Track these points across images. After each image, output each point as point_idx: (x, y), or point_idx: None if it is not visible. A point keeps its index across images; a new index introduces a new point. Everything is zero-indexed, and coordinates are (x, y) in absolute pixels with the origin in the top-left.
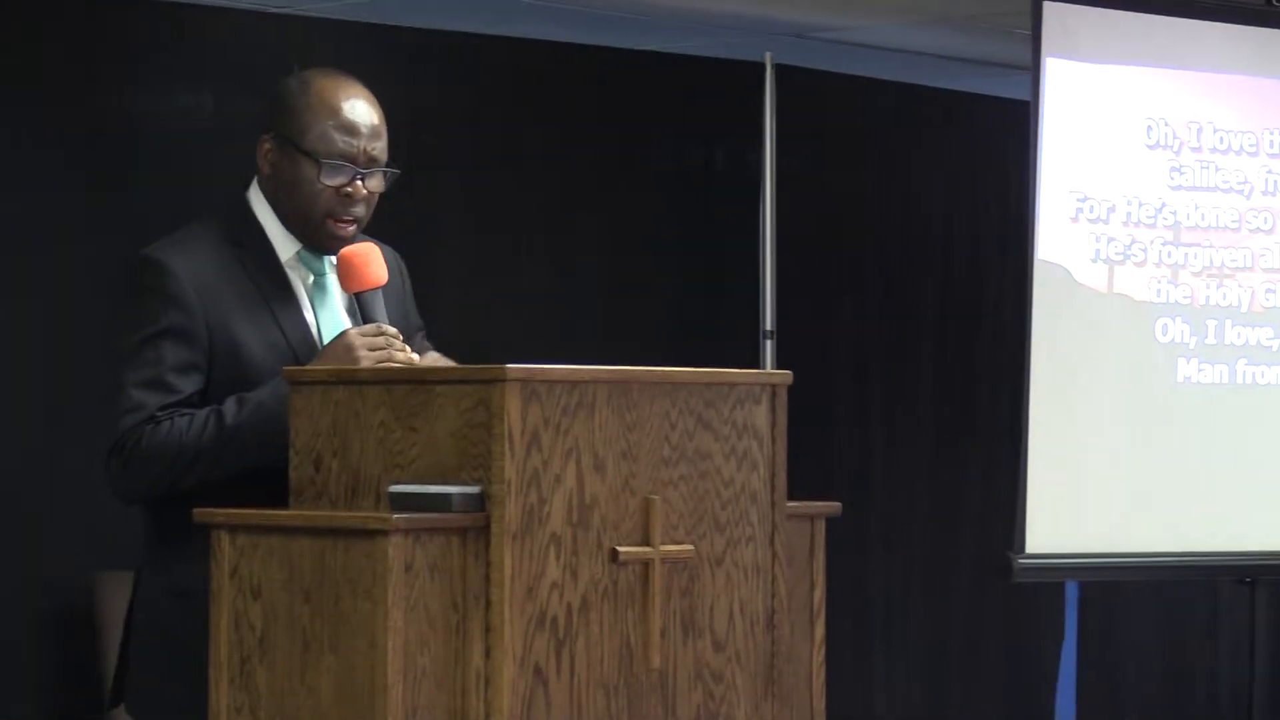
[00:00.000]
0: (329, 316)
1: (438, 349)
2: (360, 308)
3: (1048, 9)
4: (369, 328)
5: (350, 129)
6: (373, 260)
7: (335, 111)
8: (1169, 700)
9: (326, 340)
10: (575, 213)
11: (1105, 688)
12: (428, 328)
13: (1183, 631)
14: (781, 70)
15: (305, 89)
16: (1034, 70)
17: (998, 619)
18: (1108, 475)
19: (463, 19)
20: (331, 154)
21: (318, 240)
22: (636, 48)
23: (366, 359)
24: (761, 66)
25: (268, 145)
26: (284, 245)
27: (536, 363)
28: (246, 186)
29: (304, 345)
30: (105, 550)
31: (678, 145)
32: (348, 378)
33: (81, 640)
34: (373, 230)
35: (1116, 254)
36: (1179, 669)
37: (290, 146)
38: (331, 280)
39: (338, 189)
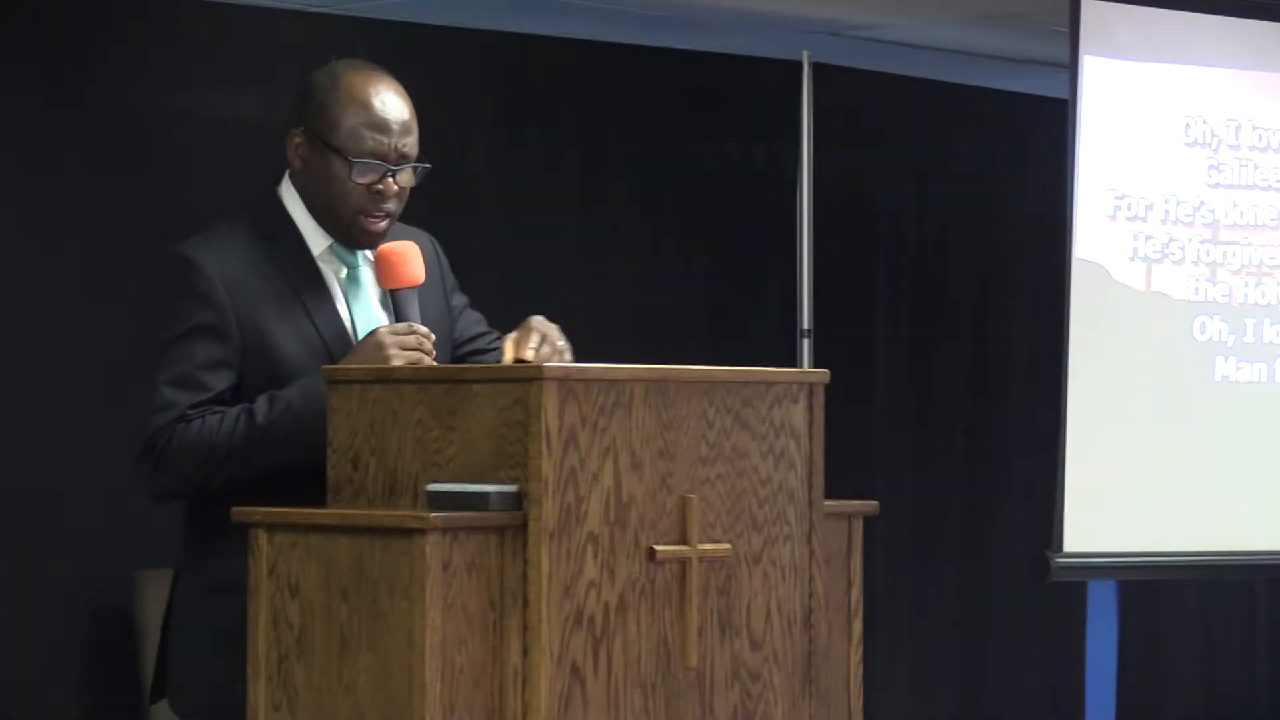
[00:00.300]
0: (363, 310)
1: None
2: (395, 306)
3: (1086, 6)
4: (400, 326)
5: (381, 126)
6: (411, 259)
7: (366, 108)
8: (1208, 700)
9: (361, 334)
10: (612, 211)
11: (1145, 688)
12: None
13: (1222, 631)
14: (819, 68)
15: (334, 83)
16: (1072, 68)
17: (1035, 619)
18: (1145, 474)
19: (500, 18)
20: (362, 152)
21: (350, 236)
22: (674, 46)
23: (398, 357)
24: (799, 65)
25: (298, 140)
26: (316, 239)
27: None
28: (277, 181)
29: (338, 340)
30: (144, 548)
31: (715, 143)
32: (385, 376)
33: (121, 638)
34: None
35: (1154, 252)
36: (1218, 669)
37: (320, 142)
38: (365, 273)
39: (369, 186)
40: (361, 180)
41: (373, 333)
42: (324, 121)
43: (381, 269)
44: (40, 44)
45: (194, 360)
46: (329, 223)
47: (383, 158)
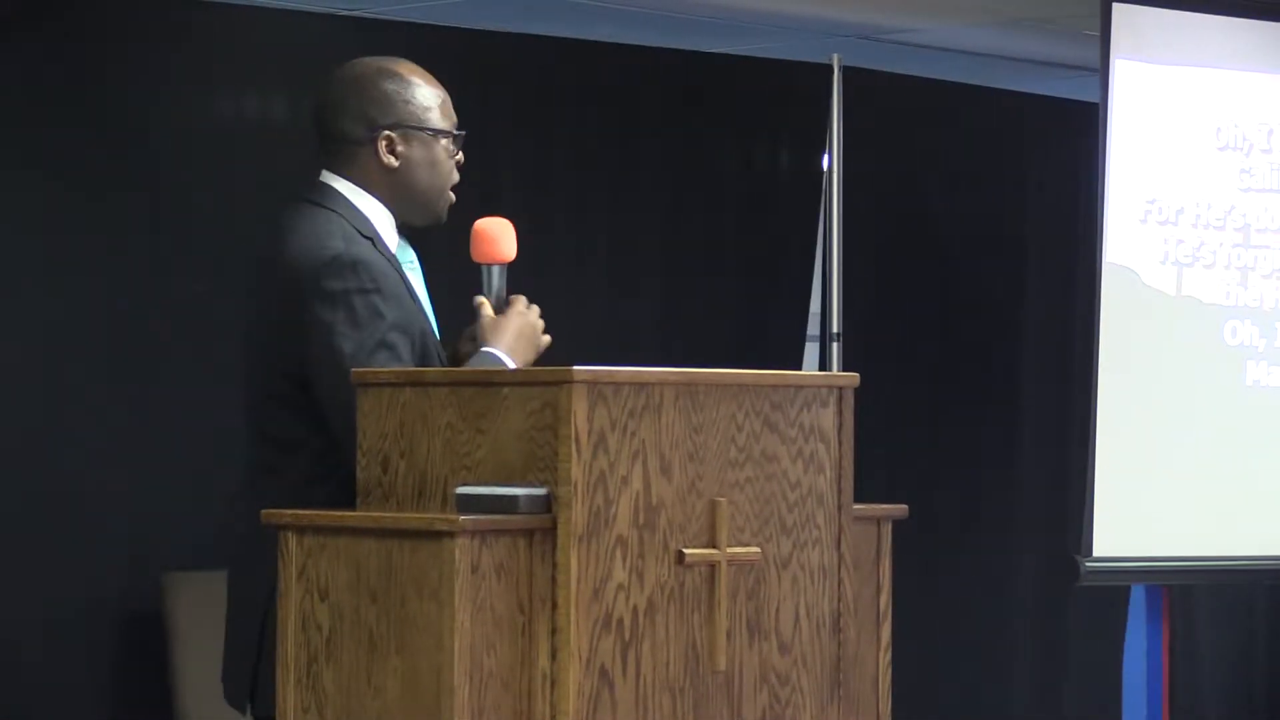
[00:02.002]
0: (425, 302)
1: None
2: (487, 280)
3: (1117, 10)
4: (533, 313)
5: (447, 100)
6: (506, 235)
7: (433, 87)
8: (1239, 707)
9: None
10: (641, 214)
11: (1178, 693)
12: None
13: (1253, 635)
14: (849, 72)
15: (393, 76)
16: (1103, 72)
17: (1065, 623)
18: (1175, 478)
19: (528, 22)
20: (452, 127)
21: (440, 213)
22: (704, 50)
23: (545, 341)
24: (829, 68)
25: (389, 139)
26: (390, 237)
27: (599, 364)
28: (314, 189)
29: (429, 330)
30: (173, 551)
31: (745, 147)
32: (416, 379)
33: (150, 640)
34: (444, 228)
35: (1185, 256)
36: (1249, 673)
37: (418, 132)
38: (417, 266)
39: (455, 158)
40: (456, 154)
41: (520, 317)
42: (413, 113)
43: (480, 243)
44: (50, 46)
45: (402, 360)
46: (424, 207)
47: (458, 129)
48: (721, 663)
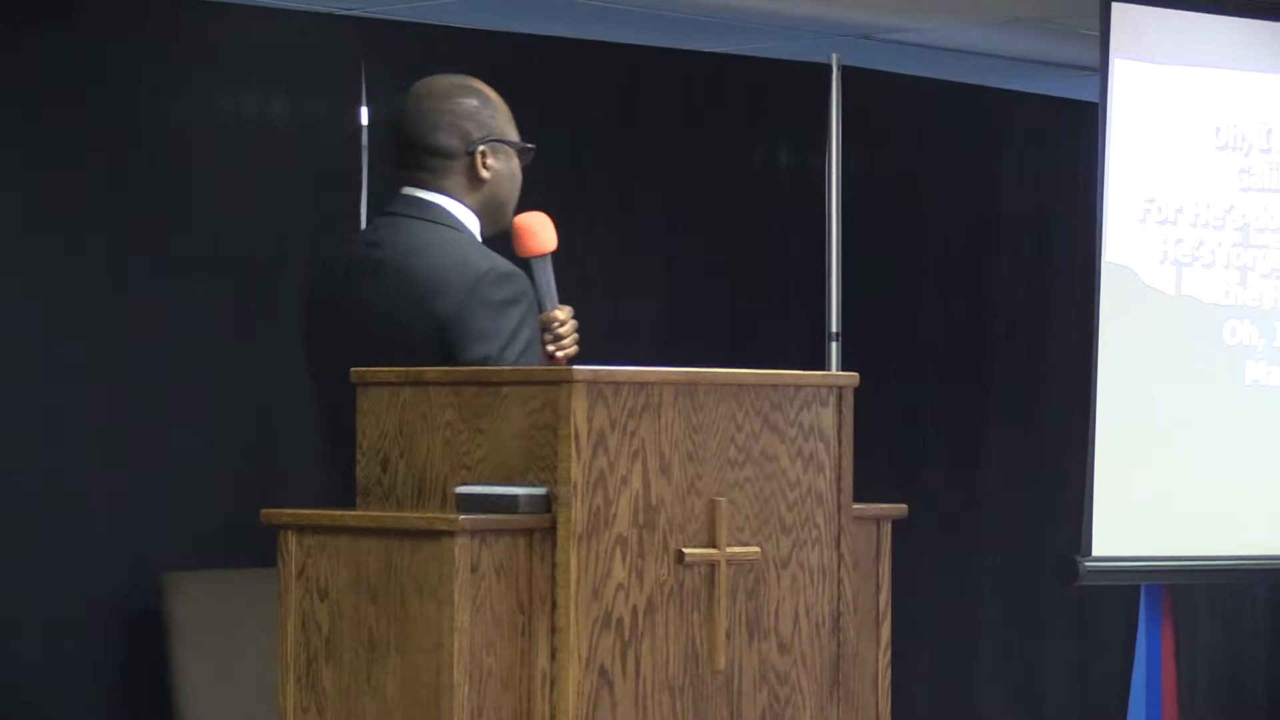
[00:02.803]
0: None
1: None
2: (532, 273)
3: (1116, 10)
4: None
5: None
6: (544, 227)
7: (501, 101)
8: (1242, 705)
9: None
10: (640, 213)
11: (1179, 693)
12: None
13: (1253, 635)
14: (848, 72)
15: (481, 94)
16: (1102, 71)
17: (1066, 623)
18: (1175, 478)
19: (528, 21)
20: (521, 139)
21: (508, 224)
22: (703, 50)
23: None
24: (828, 68)
25: (482, 151)
26: None
27: (599, 364)
28: (413, 205)
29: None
30: (174, 551)
31: (744, 146)
32: (415, 378)
33: (150, 640)
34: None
35: (1185, 256)
36: (1249, 673)
37: (504, 146)
38: None
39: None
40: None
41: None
42: (498, 127)
43: (523, 237)
44: (50, 46)
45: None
46: (502, 218)
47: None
48: (721, 662)
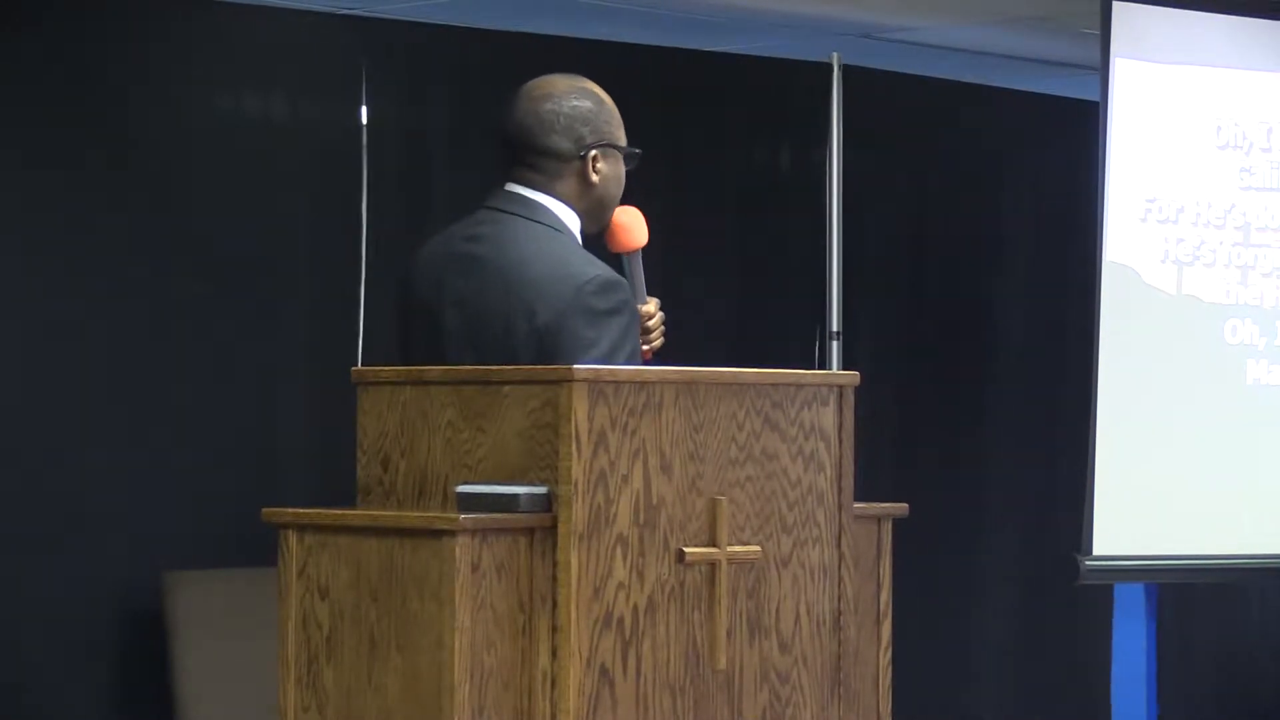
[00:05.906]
0: None
1: None
2: (626, 269)
3: (1117, 9)
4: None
5: None
6: (638, 224)
7: (615, 108)
8: (1238, 705)
9: None
10: (640, 212)
11: (1178, 693)
12: None
13: (1252, 635)
14: (849, 71)
15: (595, 97)
16: (1103, 70)
17: (1067, 622)
18: (1176, 477)
19: (528, 21)
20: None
21: (608, 222)
22: (704, 48)
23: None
24: (829, 67)
25: (594, 157)
26: None
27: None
28: (518, 203)
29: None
30: (173, 550)
31: (745, 146)
32: (416, 378)
33: (149, 639)
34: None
35: (1186, 255)
36: (1247, 673)
37: (614, 150)
38: None
39: None
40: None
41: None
42: (611, 132)
43: (618, 235)
44: (50, 46)
45: None
46: (604, 219)
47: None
48: (722, 661)
